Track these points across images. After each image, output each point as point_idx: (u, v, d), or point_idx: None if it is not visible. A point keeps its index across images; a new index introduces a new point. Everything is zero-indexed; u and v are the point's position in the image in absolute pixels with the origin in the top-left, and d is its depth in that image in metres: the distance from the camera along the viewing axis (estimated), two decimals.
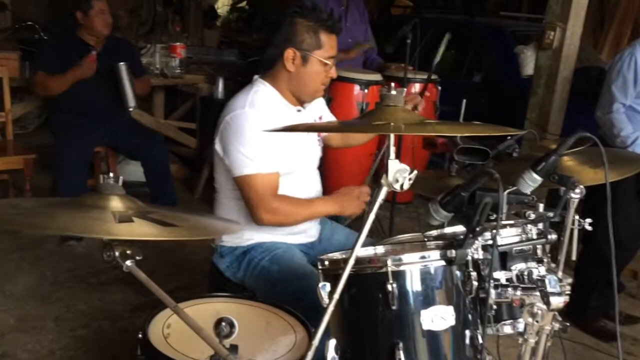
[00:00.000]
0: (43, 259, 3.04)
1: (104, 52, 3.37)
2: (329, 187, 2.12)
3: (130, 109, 3.34)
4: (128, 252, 1.12)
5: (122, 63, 3.27)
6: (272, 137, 1.73)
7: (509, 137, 1.72)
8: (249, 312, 1.54)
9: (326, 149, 2.13)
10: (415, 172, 1.04)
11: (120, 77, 3.27)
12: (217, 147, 1.82)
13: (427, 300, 1.24)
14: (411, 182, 1.04)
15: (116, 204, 1.11)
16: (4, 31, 4.37)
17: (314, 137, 1.99)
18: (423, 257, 1.25)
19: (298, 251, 1.90)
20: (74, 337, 2.43)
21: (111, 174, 1.15)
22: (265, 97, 1.83)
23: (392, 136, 1.04)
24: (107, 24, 3.34)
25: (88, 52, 3.30)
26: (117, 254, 1.10)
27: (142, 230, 1.02)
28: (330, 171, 3.19)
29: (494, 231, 1.25)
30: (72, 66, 3.23)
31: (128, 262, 1.11)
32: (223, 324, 1.22)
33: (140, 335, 1.35)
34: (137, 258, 1.14)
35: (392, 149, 1.04)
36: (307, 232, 1.95)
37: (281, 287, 1.77)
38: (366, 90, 3.46)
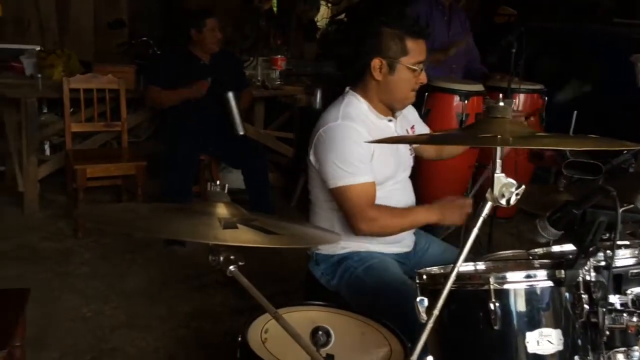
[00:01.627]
0: (151, 260, 3.22)
1: (212, 63, 3.55)
2: (423, 197, 2.09)
3: (239, 133, 3.48)
4: (232, 257, 1.16)
5: (230, 93, 3.42)
6: (365, 147, 1.74)
7: (625, 152, 1.61)
8: (344, 322, 1.54)
9: (419, 159, 2.10)
10: (523, 187, 1.00)
11: (229, 106, 3.43)
12: (312, 159, 1.86)
13: (532, 322, 1.18)
14: (518, 197, 0.99)
15: (222, 210, 1.16)
16: (121, 46, 4.72)
17: (406, 146, 1.97)
18: (528, 276, 1.19)
19: (393, 262, 1.89)
20: (177, 336, 2.55)
21: (217, 183, 1.20)
22: (357, 109, 1.84)
23: (498, 149, 1.01)
24: (218, 41, 3.51)
25: (198, 65, 3.49)
26: (221, 258, 1.15)
27: (246, 237, 1.06)
28: (425, 182, 3.13)
29: (609, 252, 1.17)
30: (182, 79, 3.43)
31: (231, 267, 1.15)
32: (320, 332, 1.24)
33: (239, 339, 1.39)
34: (240, 264, 1.18)
35: (499, 163, 1.00)
36: (402, 242, 1.93)
37: (375, 299, 1.76)
38: (466, 102, 3.37)
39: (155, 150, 4.77)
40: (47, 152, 4.25)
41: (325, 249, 1.92)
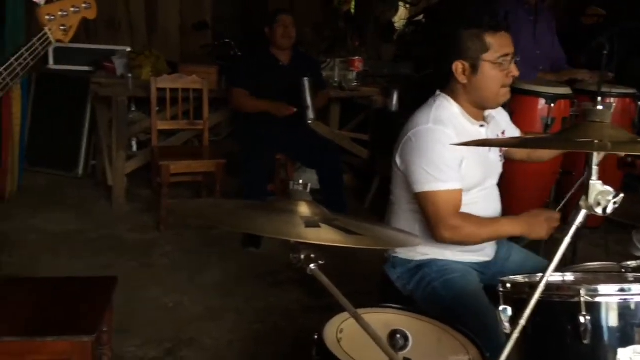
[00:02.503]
0: (228, 256, 3.32)
1: (291, 65, 3.62)
2: (505, 205, 2.02)
3: (309, 122, 3.51)
4: (312, 255, 1.18)
5: (306, 78, 3.46)
6: (455, 153, 1.70)
7: None
8: (420, 326, 1.52)
9: (505, 164, 2.03)
10: (622, 195, 0.94)
11: (303, 91, 3.46)
12: (398, 160, 1.84)
13: (625, 338, 1.11)
14: (616, 206, 0.94)
15: (304, 209, 1.17)
16: (205, 47, 4.89)
17: (496, 152, 1.91)
18: (622, 290, 1.13)
19: (474, 276, 1.84)
20: (251, 330, 2.61)
21: (300, 181, 1.22)
22: (448, 113, 1.81)
23: (595, 155, 0.96)
24: (287, 35, 3.58)
25: (277, 66, 3.58)
26: (302, 256, 1.16)
27: (328, 236, 1.07)
28: (507, 188, 3.03)
29: None
30: (262, 80, 3.53)
31: (312, 266, 1.16)
32: (398, 336, 1.23)
33: (316, 337, 1.40)
34: (320, 262, 1.19)
35: (595, 169, 0.96)
36: (483, 251, 1.88)
37: (451, 312, 1.72)
38: (552, 105, 3.22)
39: (233, 149, 4.92)
40: (134, 148, 4.47)
41: (403, 253, 1.90)
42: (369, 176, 4.28)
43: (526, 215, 1.76)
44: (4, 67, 1.25)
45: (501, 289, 1.26)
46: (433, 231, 1.74)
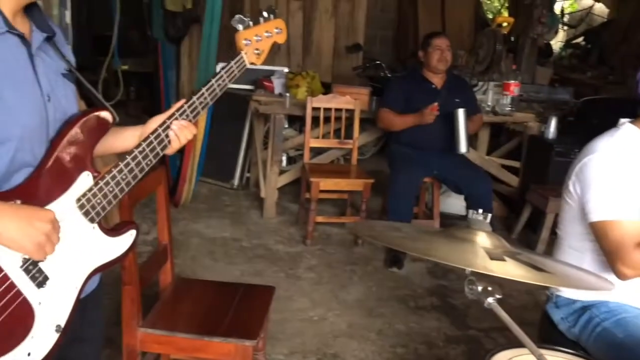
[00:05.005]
0: (370, 275, 3.34)
1: (444, 88, 3.59)
2: None
3: (461, 153, 3.45)
4: (489, 288, 1.14)
5: (461, 109, 3.41)
6: (637, 183, 1.57)
7: None
8: None
9: None
10: None
11: (456, 122, 3.41)
12: (571, 189, 1.73)
13: None
14: None
15: (483, 240, 1.15)
16: (356, 69, 5.01)
17: None
18: None
19: None
20: (394, 354, 2.59)
21: (480, 211, 1.19)
22: (633, 142, 1.67)
23: None
24: (442, 59, 3.53)
25: (430, 89, 3.56)
26: (480, 289, 1.13)
27: (515, 271, 1.03)
28: None
29: None
30: (414, 103, 3.52)
31: (490, 299, 1.13)
32: None
33: None
34: (498, 296, 1.15)
35: None
36: None
37: (629, 353, 1.57)
38: None
39: (377, 168, 4.97)
40: (284, 163, 4.69)
41: (567, 292, 1.78)
42: (519, 206, 4.09)
43: None
44: (206, 87, 1.37)
45: None
46: (612, 267, 1.60)
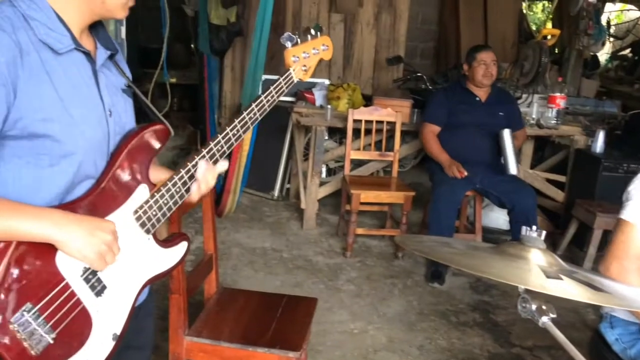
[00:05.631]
0: (411, 289, 3.31)
1: (488, 101, 3.55)
2: None
3: (511, 174, 3.39)
4: (544, 307, 1.12)
5: (506, 130, 3.35)
6: None
7: None
8: None
9: None
10: None
11: (503, 143, 3.36)
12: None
13: None
14: None
15: (538, 257, 1.12)
16: (397, 81, 5.00)
17: None
18: None
19: None
20: None
21: (534, 228, 1.17)
22: None
23: None
24: (487, 74, 3.49)
25: (473, 102, 3.53)
26: (534, 307, 1.11)
27: (573, 290, 1.00)
28: None
29: None
30: (457, 115, 3.50)
31: (545, 319, 1.10)
32: None
33: None
34: (552, 315, 1.13)
35: None
36: None
37: None
38: None
39: (416, 180, 4.94)
40: (324, 174, 4.71)
41: (623, 313, 1.73)
42: (564, 221, 3.99)
43: None
44: (256, 103, 1.39)
45: None
46: (605, 260, 1.63)
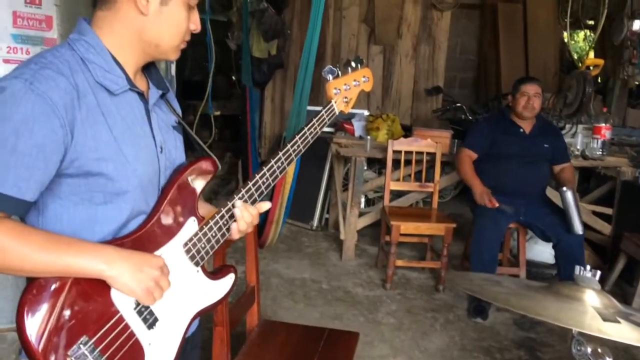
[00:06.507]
0: (453, 323, 3.24)
1: (532, 133, 3.50)
2: None
3: (577, 232, 3.28)
4: (599, 350, 1.08)
5: (568, 190, 3.25)
6: None
7: None
8: None
9: None
10: None
11: (566, 204, 3.25)
12: None
13: None
14: None
15: (592, 298, 1.09)
16: (436, 111, 4.99)
17: None
18: None
19: None
20: None
21: (588, 267, 1.14)
22: None
23: None
24: (528, 107, 3.42)
25: (517, 133, 3.48)
26: (589, 350, 1.08)
27: (631, 334, 0.97)
28: None
29: None
30: (500, 146, 3.46)
31: None
32: None
33: None
34: (609, 359, 1.09)
35: None
36: None
37: None
38: None
39: (456, 211, 4.87)
40: (362, 205, 4.69)
41: None
42: (612, 256, 3.86)
43: None
44: (299, 135, 1.41)
45: None
46: None
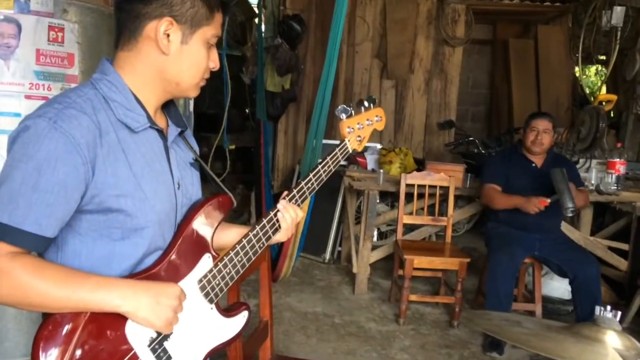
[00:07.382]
0: (468, 358, 3.17)
1: (544, 167, 3.48)
2: None
3: (569, 208, 3.21)
4: None
5: (555, 168, 3.26)
6: None
7: None
8: None
9: None
10: None
11: (555, 181, 3.22)
12: None
13: None
14: None
15: (614, 340, 1.07)
16: (449, 145, 5.00)
17: None
18: None
19: None
20: None
21: (608, 308, 1.12)
22: None
23: None
24: (536, 142, 3.41)
25: (529, 168, 3.47)
26: None
27: None
28: None
29: None
30: (513, 181, 3.44)
31: None
32: None
33: None
34: None
35: None
36: None
37: None
38: None
39: (469, 245, 4.83)
40: (375, 238, 4.67)
41: None
42: (629, 292, 3.79)
43: None
44: (313, 173, 1.42)
45: None
46: None
